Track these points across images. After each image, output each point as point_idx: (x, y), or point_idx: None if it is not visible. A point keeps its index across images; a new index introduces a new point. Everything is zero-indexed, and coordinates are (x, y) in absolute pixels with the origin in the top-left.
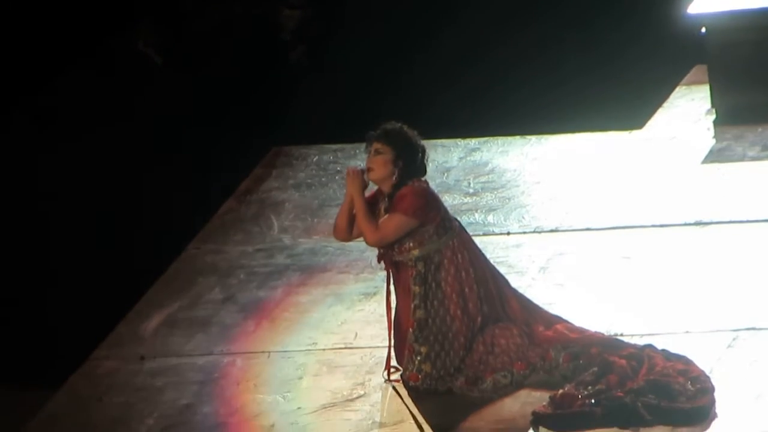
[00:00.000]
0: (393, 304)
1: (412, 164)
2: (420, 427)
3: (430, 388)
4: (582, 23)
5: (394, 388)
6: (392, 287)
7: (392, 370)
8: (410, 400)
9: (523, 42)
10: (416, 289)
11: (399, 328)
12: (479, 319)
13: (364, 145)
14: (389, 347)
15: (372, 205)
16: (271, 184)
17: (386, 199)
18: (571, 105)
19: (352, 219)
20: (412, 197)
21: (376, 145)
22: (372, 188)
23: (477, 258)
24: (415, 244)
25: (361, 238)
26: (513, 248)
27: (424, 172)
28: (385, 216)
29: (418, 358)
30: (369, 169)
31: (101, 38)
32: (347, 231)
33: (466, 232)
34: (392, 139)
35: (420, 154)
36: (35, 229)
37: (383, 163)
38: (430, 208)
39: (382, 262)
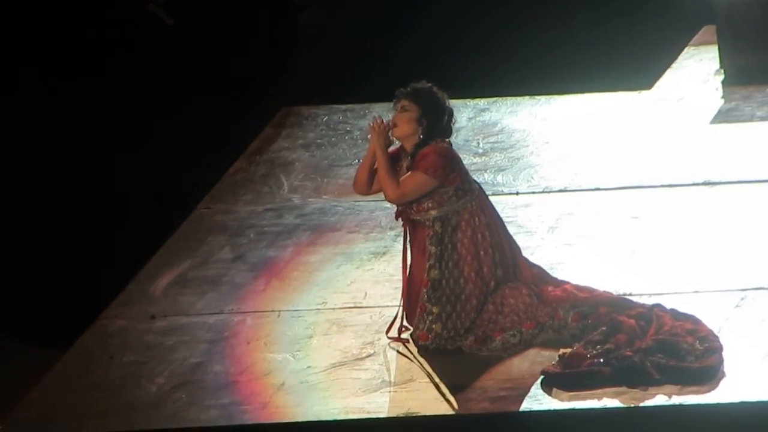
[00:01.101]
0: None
1: (437, 125)
2: (436, 385)
3: (439, 348)
4: None
5: (405, 345)
6: (408, 245)
7: (402, 329)
8: (420, 359)
9: (531, 1)
10: (432, 249)
11: (411, 287)
12: (492, 282)
13: (374, 104)
14: (402, 303)
15: (394, 161)
16: (281, 144)
17: (408, 157)
18: (580, 66)
19: (372, 173)
20: (434, 157)
21: (404, 102)
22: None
23: (494, 222)
24: (433, 204)
25: (379, 194)
26: (522, 208)
27: (449, 134)
28: (407, 174)
29: (429, 318)
30: (394, 125)
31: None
32: (367, 184)
33: (485, 195)
34: (420, 98)
35: (446, 116)
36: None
37: (408, 120)
38: (450, 169)
39: (400, 219)
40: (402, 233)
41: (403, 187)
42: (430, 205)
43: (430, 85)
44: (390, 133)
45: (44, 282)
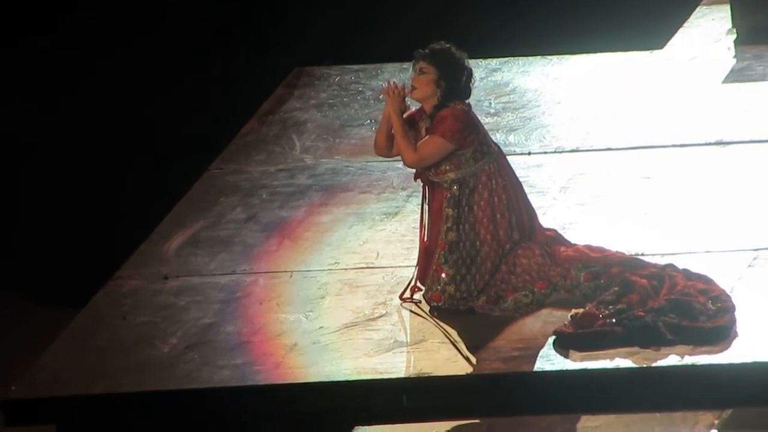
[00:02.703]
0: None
1: (455, 86)
2: (448, 346)
3: (451, 308)
4: None
5: (417, 305)
6: (426, 206)
7: (415, 289)
8: (434, 319)
9: None
10: (449, 211)
11: (426, 248)
12: (508, 246)
13: (386, 65)
14: (419, 264)
15: (412, 123)
16: (293, 104)
17: (428, 118)
18: (592, 25)
19: (390, 137)
20: (451, 120)
21: (422, 64)
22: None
23: (512, 185)
24: (451, 167)
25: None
26: (534, 168)
27: (468, 95)
28: (425, 137)
29: (444, 279)
30: (412, 88)
31: None
32: (387, 147)
33: (504, 157)
34: (437, 60)
35: (465, 77)
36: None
37: (426, 82)
38: (468, 131)
39: (419, 180)
40: (418, 194)
41: (420, 152)
42: (447, 167)
43: (448, 45)
44: (408, 96)
45: (56, 242)
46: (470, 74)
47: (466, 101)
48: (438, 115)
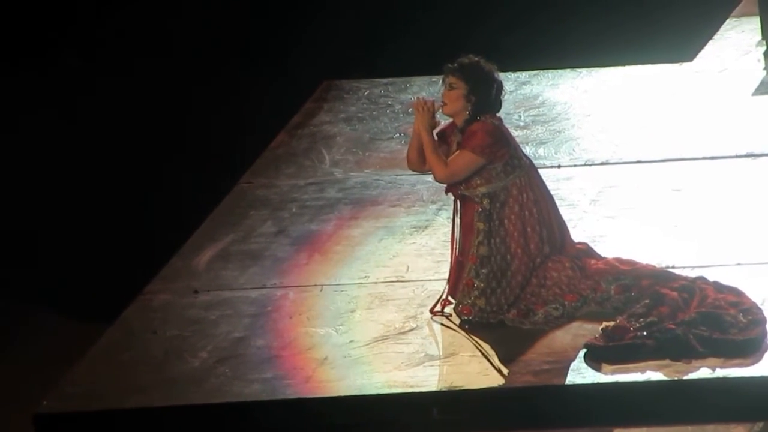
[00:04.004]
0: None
1: (485, 99)
2: (479, 359)
3: (482, 321)
4: None
5: (448, 318)
6: (457, 219)
7: (446, 302)
8: (464, 333)
9: None
10: (480, 225)
11: (457, 262)
12: (538, 259)
13: (415, 78)
14: (450, 277)
15: (443, 137)
16: (323, 117)
17: (458, 132)
18: (622, 37)
19: (421, 153)
20: (482, 134)
21: (451, 79)
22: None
23: (543, 198)
24: (482, 180)
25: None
26: (564, 181)
27: (499, 107)
28: (456, 152)
29: (475, 293)
30: (443, 103)
31: None
32: (419, 162)
33: (536, 170)
34: (467, 74)
35: (495, 90)
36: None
37: (456, 98)
38: (499, 145)
39: (450, 194)
40: (449, 207)
41: (451, 167)
42: (479, 181)
43: (477, 59)
44: (439, 112)
45: (87, 257)
46: (500, 87)
47: (497, 114)
48: (468, 129)
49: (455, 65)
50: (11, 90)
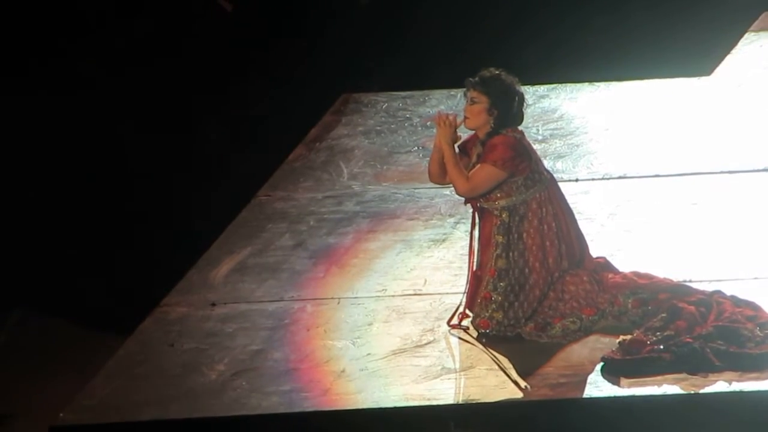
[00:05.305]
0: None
1: (507, 113)
2: (496, 372)
3: (499, 335)
4: None
5: (466, 331)
6: (475, 232)
7: (463, 316)
8: (482, 346)
9: None
10: (499, 238)
11: (475, 275)
12: (557, 273)
13: (434, 91)
14: (468, 290)
15: (464, 149)
16: (341, 131)
17: (479, 144)
18: (640, 52)
19: (442, 166)
20: (503, 148)
21: (472, 94)
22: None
23: (563, 213)
24: (502, 194)
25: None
26: (581, 195)
27: (521, 120)
28: (477, 166)
29: (492, 306)
30: (465, 118)
31: None
32: (440, 176)
33: (556, 185)
34: (488, 88)
35: (516, 103)
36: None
37: (478, 112)
38: (520, 159)
39: (469, 206)
40: (467, 221)
41: (472, 181)
42: (498, 194)
43: (498, 72)
44: (462, 125)
45: (105, 270)
46: (522, 99)
47: (519, 128)
48: (489, 142)
49: (476, 79)
50: (21, 99)
